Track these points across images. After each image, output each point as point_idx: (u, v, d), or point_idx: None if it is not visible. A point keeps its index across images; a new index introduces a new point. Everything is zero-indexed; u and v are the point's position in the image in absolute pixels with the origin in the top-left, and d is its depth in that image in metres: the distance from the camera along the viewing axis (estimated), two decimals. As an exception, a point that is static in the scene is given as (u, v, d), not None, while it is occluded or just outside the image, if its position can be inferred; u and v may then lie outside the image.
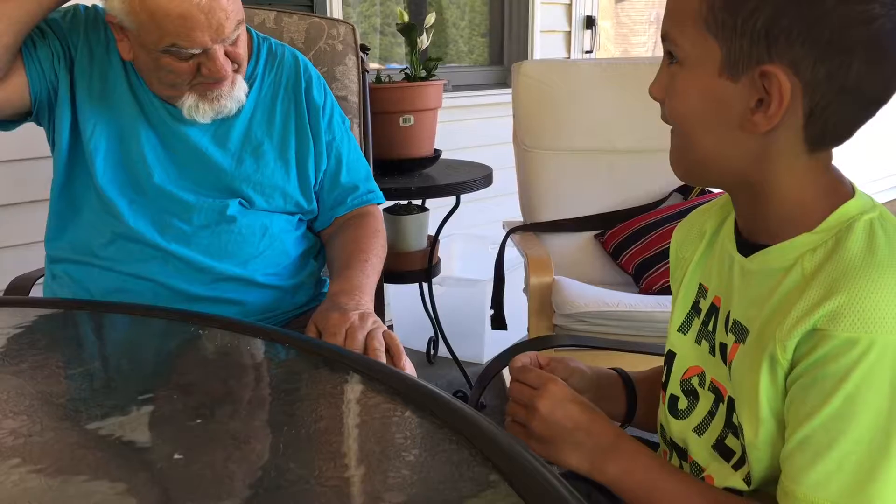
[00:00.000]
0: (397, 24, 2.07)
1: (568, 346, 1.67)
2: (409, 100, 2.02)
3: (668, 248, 2.12)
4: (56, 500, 0.56)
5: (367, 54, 1.80)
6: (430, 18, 2.14)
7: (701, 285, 0.84)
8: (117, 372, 0.83)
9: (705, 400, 0.81)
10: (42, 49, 1.19)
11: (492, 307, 2.05)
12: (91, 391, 0.75)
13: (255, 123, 1.30)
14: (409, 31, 2.04)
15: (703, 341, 0.82)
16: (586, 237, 2.20)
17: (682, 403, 0.84)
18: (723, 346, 0.78)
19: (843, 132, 0.68)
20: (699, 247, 0.85)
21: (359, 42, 1.71)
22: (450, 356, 2.36)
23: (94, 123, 1.21)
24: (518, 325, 2.00)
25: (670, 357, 0.86)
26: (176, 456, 0.62)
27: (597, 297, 1.77)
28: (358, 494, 0.58)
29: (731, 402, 0.76)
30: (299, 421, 0.69)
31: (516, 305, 2.05)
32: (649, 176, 2.25)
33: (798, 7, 0.63)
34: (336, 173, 1.37)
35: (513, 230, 2.18)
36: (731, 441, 0.77)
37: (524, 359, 0.92)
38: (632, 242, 2.08)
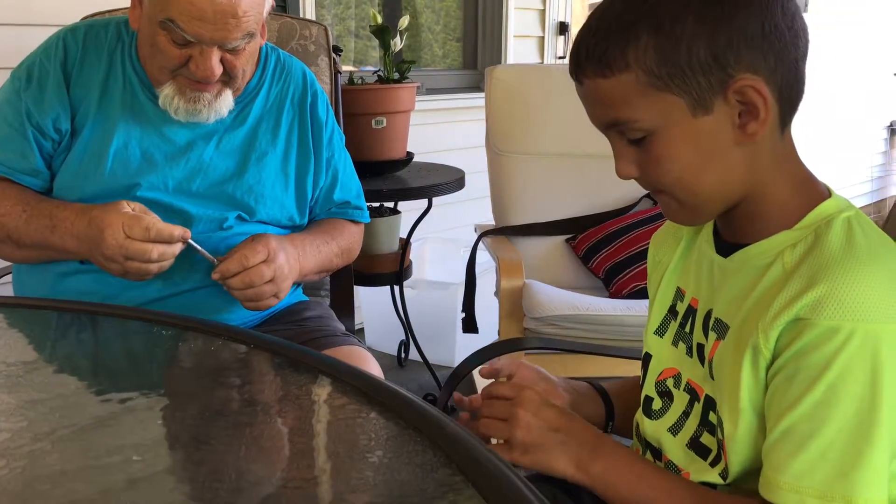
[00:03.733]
0: (370, 25, 2.06)
1: (537, 349, 1.67)
2: (381, 102, 2.02)
3: (638, 252, 2.14)
4: (13, 502, 0.55)
5: (340, 55, 1.80)
6: (404, 21, 2.14)
7: (678, 289, 0.85)
8: (75, 372, 0.81)
9: (680, 401, 0.82)
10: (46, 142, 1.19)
11: (463, 310, 2.05)
12: (48, 391, 0.74)
13: (260, 132, 1.29)
14: (383, 34, 2.03)
15: (681, 343, 0.83)
16: (557, 241, 2.20)
17: (657, 404, 0.84)
18: (700, 347, 0.79)
19: (800, 91, 0.71)
20: (676, 251, 0.86)
21: (331, 43, 1.70)
22: (421, 359, 2.35)
23: (90, 128, 1.19)
24: (489, 329, 2.00)
25: (646, 359, 0.87)
26: (134, 458, 0.60)
27: (567, 300, 1.78)
28: (319, 495, 0.57)
29: (707, 400, 0.77)
30: (262, 422, 0.68)
31: (488, 309, 2.05)
32: (619, 181, 2.26)
33: (723, 21, 0.66)
34: (330, 189, 1.37)
35: (484, 233, 2.18)
36: (706, 439, 0.78)
37: (493, 366, 0.91)
38: (602, 247, 2.09)
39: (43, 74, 1.19)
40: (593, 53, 0.70)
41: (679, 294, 0.85)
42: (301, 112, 1.33)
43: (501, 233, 2.19)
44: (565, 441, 0.79)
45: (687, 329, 0.82)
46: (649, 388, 0.86)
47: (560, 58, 3.51)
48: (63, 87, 1.19)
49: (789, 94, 0.70)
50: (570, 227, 2.21)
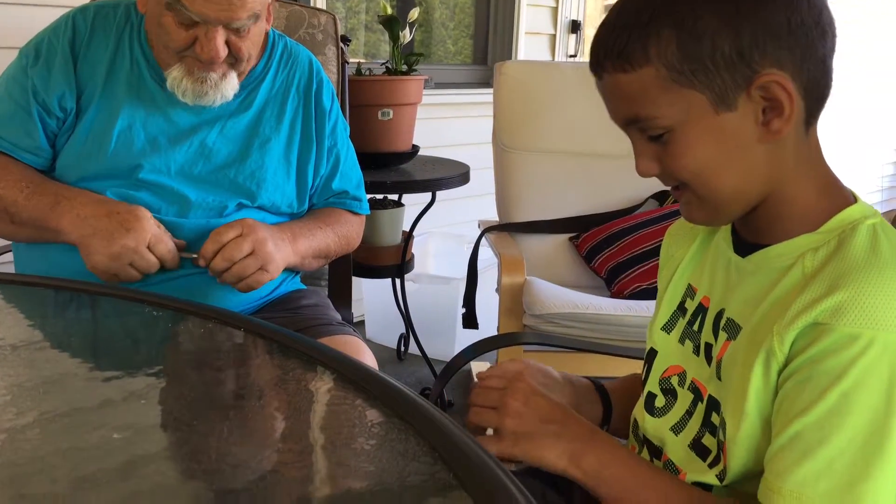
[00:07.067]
0: (379, 16, 2.06)
1: (534, 345, 1.67)
2: (388, 93, 2.01)
3: (641, 253, 2.13)
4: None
5: (348, 45, 1.79)
6: (414, 13, 2.13)
7: (689, 286, 0.84)
8: (65, 350, 0.81)
9: (683, 399, 0.80)
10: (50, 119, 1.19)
11: (464, 305, 2.04)
12: (36, 368, 0.73)
13: (264, 118, 1.28)
14: (392, 25, 2.02)
15: (687, 341, 0.81)
16: (560, 239, 2.19)
17: (660, 401, 0.83)
18: (708, 346, 0.77)
19: (828, 88, 0.70)
20: (690, 248, 0.85)
21: (339, 33, 1.69)
22: (420, 353, 2.34)
23: (95, 108, 1.19)
24: (489, 325, 1.99)
25: (651, 355, 0.86)
26: (115, 436, 0.60)
27: (567, 298, 1.77)
28: (300, 479, 0.57)
29: (710, 401, 0.76)
30: (247, 406, 0.67)
31: (488, 305, 2.04)
32: (626, 181, 2.25)
33: (747, 16, 0.65)
34: (330, 178, 1.37)
35: (488, 229, 2.17)
36: (707, 440, 0.76)
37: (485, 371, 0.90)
38: (605, 246, 2.08)
39: (51, 53, 1.19)
40: (613, 48, 0.69)
41: (690, 291, 0.83)
42: (306, 100, 1.33)
43: (505, 229, 2.18)
44: (558, 433, 0.77)
45: (695, 327, 0.80)
46: (653, 385, 0.84)
47: (571, 56, 3.49)
48: (70, 66, 1.19)
49: (815, 91, 0.68)
50: (573, 226, 2.20)
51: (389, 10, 2.03)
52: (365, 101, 1.97)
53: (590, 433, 0.78)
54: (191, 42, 1.13)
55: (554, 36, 3.42)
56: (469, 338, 2.13)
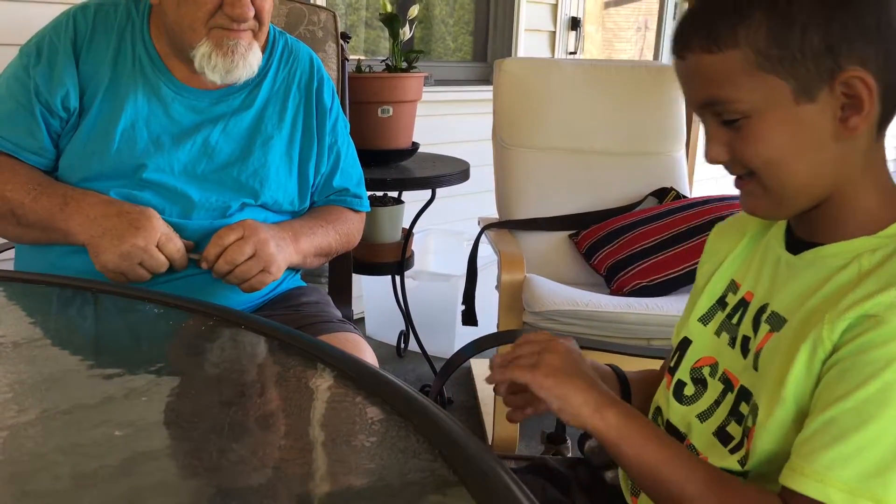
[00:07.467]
0: (380, 13, 2.06)
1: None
2: (388, 90, 2.01)
3: (641, 250, 2.13)
4: (-12, 472, 0.55)
5: (348, 42, 1.79)
6: (414, 10, 2.13)
7: (732, 281, 0.84)
8: (66, 347, 0.81)
9: (713, 389, 0.81)
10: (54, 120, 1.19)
11: (463, 303, 2.05)
12: (37, 366, 0.74)
13: (266, 116, 1.29)
14: (392, 22, 2.02)
15: (724, 333, 0.82)
16: (560, 237, 2.20)
17: (689, 390, 0.84)
18: (746, 339, 0.78)
19: None
20: (739, 244, 0.85)
21: (339, 30, 1.69)
22: (420, 350, 2.35)
23: (99, 107, 1.19)
24: (489, 322, 2.00)
25: (684, 344, 0.86)
26: (117, 433, 0.60)
27: (567, 296, 1.77)
28: (299, 476, 0.57)
29: (741, 391, 0.77)
30: (248, 403, 0.68)
31: (488, 302, 2.04)
32: (625, 178, 2.26)
33: (840, 9, 0.65)
34: (331, 175, 1.37)
35: (487, 226, 2.18)
36: (732, 428, 0.77)
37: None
38: (605, 244, 2.08)
39: (52, 51, 1.19)
40: (702, 27, 0.69)
41: (732, 286, 0.84)
42: (307, 97, 1.33)
43: (504, 226, 2.18)
44: (590, 384, 0.77)
45: (734, 320, 0.81)
46: (683, 373, 0.85)
47: (571, 53, 3.49)
48: (73, 65, 1.19)
49: (892, 96, 0.69)
50: (573, 223, 2.20)
51: (390, 8, 2.03)
52: (365, 98, 1.97)
53: (616, 397, 0.79)
54: (218, 5, 1.14)
55: (554, 33, 3.42)
56: (469, 335, 2.14)
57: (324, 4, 2.59)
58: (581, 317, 1.73)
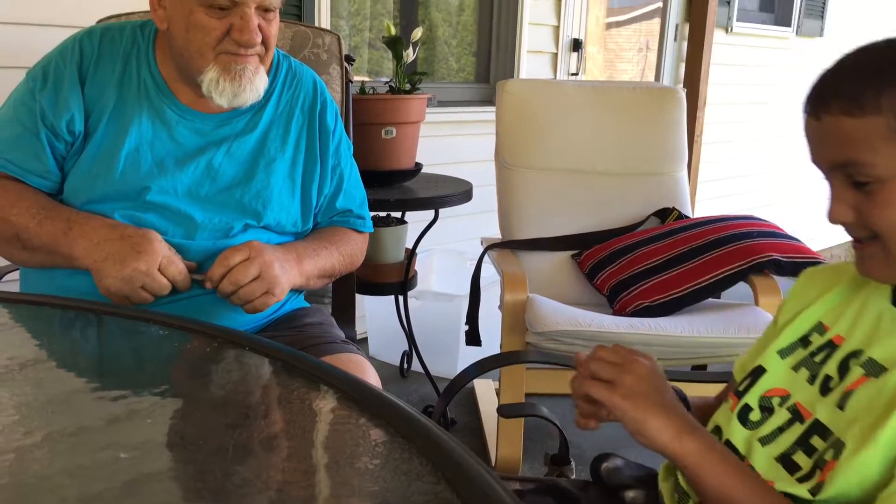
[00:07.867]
0: (384, 37, 2.08)
1: (537, 363, 1.67)
2: (391, 112, 2.03)
3: (644, 270, 2.12)
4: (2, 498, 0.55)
5: (352, 65, 1.81)
6: (417, 33, 2.15)
7: (819, 323, 0.86)
8: (72, 369, 0.82)
9: (779, 417, 0.82)
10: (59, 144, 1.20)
11: (466, 323, 2.05)
12: (43, 388, 0.74)
13: (270, 138, 1.30)
14: (395, 44, 2.05)
15: (803, 369, 0.84)
16: (563, 257, 2.20)
17: (755, 416, 0.85)
18: (827, 378, 0.80)
19: None
20: (829, 291, 0.87)
21: (344, 52, 1.71)
22: (423, 371, 2.35)
23: (104, 130, 1.21)
24: (492, 342, 2.00)
25: (758, 371, 0.88)
26: (122, 455, 0.61)
27: (570, 316, 1.77)
28: (302, 499, 0.57)
29: (816, 425, 0.78)
30: (252, 425, 0.68)
31: (491, 322, 2.04)
32: (627, 199, 2.27)
33: None
34: (334, 197, 1.38)
35: (490, 247, 2.18)
36: (799, 457, 0.78)
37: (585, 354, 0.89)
38: (607, 264, 2.09)
39: (58, 76, 1.21)
40: (845, 91, 0.70)
41: (819, 328, 0.86)
42: (310, 119, 1.35)
43: (507, 246, 2.19)
44: (670, 408, 0.78)
45: (818, 359, 0.83)
46: (752, 399, 0.86)
47: (573, 74, 3.52)
48: (78, 89, 1.20)
49: None
50: (575, 243, 2.20)
51: (393, 31, 2.05)
52: (368, 119, 1.99)
53: (693, 422, 0.79)
54: (226, 31, 1.16)
55: (556, 54, 3.45)
56: (472, 355, 2.14)
57: (328, 27, 2.62)
58: (584, 337, 1.73)
